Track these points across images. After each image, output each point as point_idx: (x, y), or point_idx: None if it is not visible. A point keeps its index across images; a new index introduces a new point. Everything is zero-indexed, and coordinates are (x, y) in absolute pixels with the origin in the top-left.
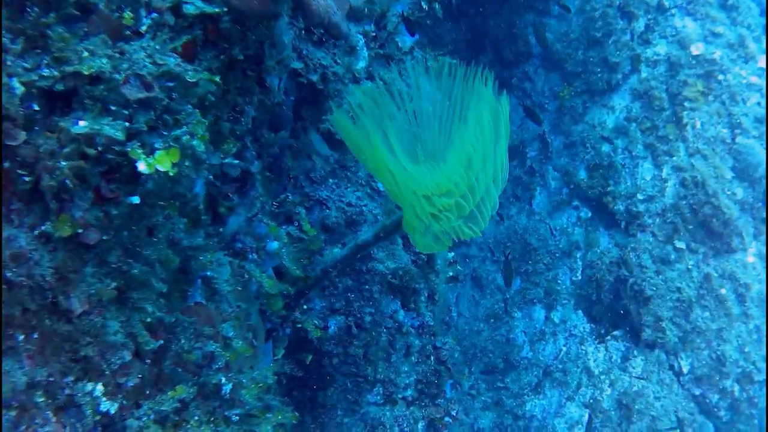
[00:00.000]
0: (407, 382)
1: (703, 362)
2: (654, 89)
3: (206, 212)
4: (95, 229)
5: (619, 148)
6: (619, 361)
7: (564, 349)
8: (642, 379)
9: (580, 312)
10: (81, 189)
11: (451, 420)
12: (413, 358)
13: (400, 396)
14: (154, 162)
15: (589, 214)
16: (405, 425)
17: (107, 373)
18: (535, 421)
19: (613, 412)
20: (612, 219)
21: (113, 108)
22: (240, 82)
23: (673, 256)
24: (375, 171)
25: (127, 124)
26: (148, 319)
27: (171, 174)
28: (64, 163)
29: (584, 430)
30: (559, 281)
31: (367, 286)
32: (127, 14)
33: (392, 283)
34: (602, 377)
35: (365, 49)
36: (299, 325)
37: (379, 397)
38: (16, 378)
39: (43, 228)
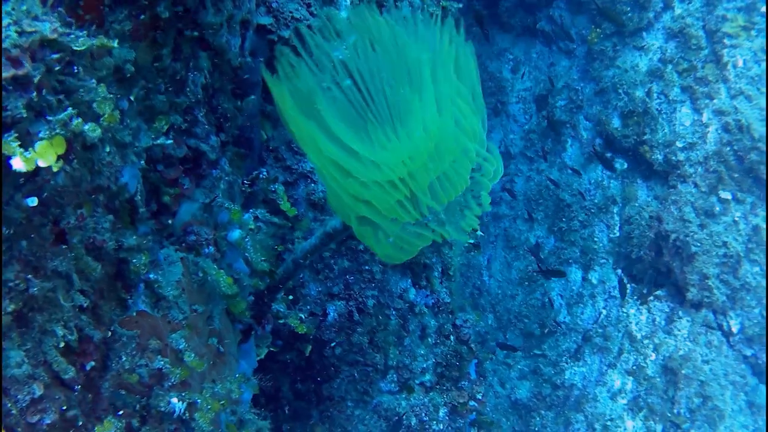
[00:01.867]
0: (424, 366)
1: (755, 321)
2: (690, 27)
3: (147, 204)
4: None
5: (654, 92)
6: (663, 323)
7: (604, 312)
8: (713, 328)
9: (619, 271)
10: None
11: (477, 404)
12: (430, 339)
13: (417, 382)
14: (34, 156)
15: (625, 165)
16: (423, 414)
17: (13, 412)
18: (575, 390)
19: (658, 379)
20: (650, 170)
21: None
22: (173, 45)
23: (718, 208)
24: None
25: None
26: (61, 344)
27: (54, 170)
28: None
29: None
30: (595, 239)
31: (367, 267)
32: None
33: None
34: (645, 341)
35: None
36: (282, 321)
37: (393, 385)
38: None
39: None
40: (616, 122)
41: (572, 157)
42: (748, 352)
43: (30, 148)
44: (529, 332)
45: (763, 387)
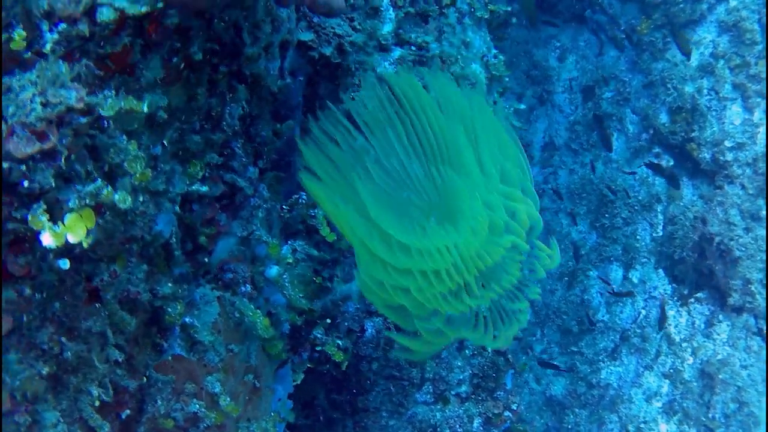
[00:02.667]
0: (461, 377)
1: None
2: (744, 20)
3: (183, 244)
4: (6, 315)
5: (704, 88)
6: (702, 326)
7: (643, 312)
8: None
9: (661, 272)
10: None
11: (511, 414)
12: (467, 351)
13: (453, 393)
14: (63, 230)
15: (671, 163)
16: (458, 425)
17: None
18: (610, 390)
19: (695, 383)
20: (696, 168)
21: (5, 165)
22: (207, 82)
23: (764, 212)
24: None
25: (26, 183)
26: (96, 403)
27: (84, 246)
28: None
29: None
30: (638, 237)
31: None
32: (18, 33)
33: None
34: (684, 344)
35: (391, 8)
36: (319, 348)
37: (428, 396)
38: None
39: None
40: (663, 117)
41: (618, 150)
42: None
43: (59, 222)
44: (566, 329)
45: None
